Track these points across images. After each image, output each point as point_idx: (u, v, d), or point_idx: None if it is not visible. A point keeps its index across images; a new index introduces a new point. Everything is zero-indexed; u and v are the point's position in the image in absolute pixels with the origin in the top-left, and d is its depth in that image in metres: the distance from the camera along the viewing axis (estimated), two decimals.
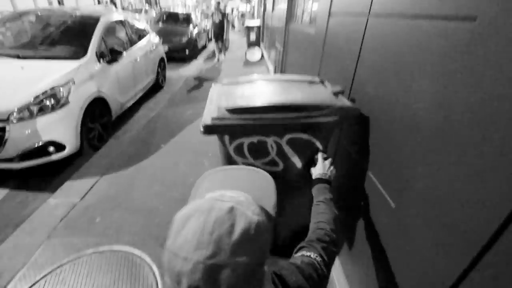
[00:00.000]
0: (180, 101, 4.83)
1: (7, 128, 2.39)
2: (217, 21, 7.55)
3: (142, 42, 4.78)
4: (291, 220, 1.73)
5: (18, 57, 3.04)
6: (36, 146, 2.52)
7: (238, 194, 0.51)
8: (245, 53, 8.65)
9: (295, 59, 3.73)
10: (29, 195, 2.49)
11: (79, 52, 3.20)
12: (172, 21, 9.09)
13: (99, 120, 3.29)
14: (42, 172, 2.76)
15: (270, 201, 0.56)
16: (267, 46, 8.07)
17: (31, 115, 2.48)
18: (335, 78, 1.83)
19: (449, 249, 0.77)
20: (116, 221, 2.14)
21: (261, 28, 9.16)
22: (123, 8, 17.44)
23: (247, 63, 8.22)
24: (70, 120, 2.76)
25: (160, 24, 8.77)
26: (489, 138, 0.65)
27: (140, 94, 4.56)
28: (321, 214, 0.86)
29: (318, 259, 0.71)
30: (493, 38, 0.66)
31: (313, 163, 1.33)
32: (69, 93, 2.75)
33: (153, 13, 11.35)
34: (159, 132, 3.64)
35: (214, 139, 1.37)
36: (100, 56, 3.37)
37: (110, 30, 3.84)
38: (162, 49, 5.82)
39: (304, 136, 1.31)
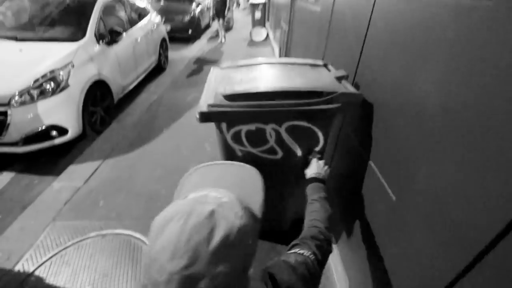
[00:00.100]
0: (182, 84, 4.75)
1: (9, 112, 2.39)
2: None
3: (143, 21, 4.63)
4: (291, 208, 1.72)
5: (16, 39, 2.98)
6: (39, 130, 2.53)
7: (222, 194, 0.48)
8: (250, 33, 8.36)
9: (300, 40, 3.57)
10: (34, 178, 2.54)
11: (77, 33, 3.11)
12: None
13: (101, 104, 3.26)
14: (47, 155, 2.79)
15: (257, 199, 0.53)
16: (273, 25, 7.76)
17: (32, 99, 2.47)
18: (340, 61, 1.73)
19: (448, 248, 0.74)
20: (118, 205, 2.17)
21: (267, 6, 8.77)
22: None
23: (252, 43, 7.97)
24: (71, 104, 2.74)
25: (162, 2, 8.45)
26: (501, 130, 0.59)
27: (142, 77, 4.48)
28: (315, 212, 0.84)
29: (312, 257, 0.69)
30: (511, 19, 0.58)
31: (314, 153, 1.29)
32: (68, 76, 2.71)
33: None
34: (161, 115, 3.61)
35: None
36: (99, 37, 3.28)
37: (109, 9, 3.71)
38: (164, 29, 5.65)
39: (304, 123, 1.26)
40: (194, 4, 8.41)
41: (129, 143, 3.00)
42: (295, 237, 0.78)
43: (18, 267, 1.69)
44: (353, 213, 1.42)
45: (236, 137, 1.31)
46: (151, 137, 3.12)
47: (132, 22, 4.30)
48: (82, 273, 1.64)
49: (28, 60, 2.69)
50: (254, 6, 8.43)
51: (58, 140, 2.67)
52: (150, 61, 4.74)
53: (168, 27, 6.67)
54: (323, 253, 0.72)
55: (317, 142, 1.35)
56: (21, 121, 2.43)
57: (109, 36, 3.46)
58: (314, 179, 1.06)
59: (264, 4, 8.45)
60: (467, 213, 0.67)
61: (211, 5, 9.48)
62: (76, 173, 2.52)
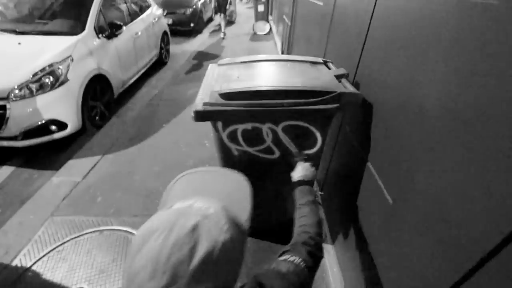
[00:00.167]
0: (183, 79, 4.71)
1: (8, 106, 2.38)
2: None
3: (144, 15, 4.57)
4: (288, 208, 1.70)
5: (15, 32, 2.96)
6: (38, 124, 2.52)
7: (208, 204, 0.45)
8: (253, 27, 8.26)
9: (302, 35, 3.51)
10: (34, 173, 2.54)
11: (76, 27, 3.08)
12: None
13: (101, 98, 3.24)
14: (47, 150, 2.79)
15: (244, 209, 0.51)
16: (276, 19, 7.64)
17: (31, 93, 2.45)
18: (341, 57, 1.70)
19: (445, 254, 0.72)
20: (116, 201, 2.17)
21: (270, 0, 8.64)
22: None
23: (254, 37, 7.87)
24: (70, 98, 2.72)
25: None
26: (505, 134, 0.56)
27: (143, 71, 4.45)
28: (304, 217, 0.81)
29: (302, 264, 0.67)
30: None
31: (300, 155, 1.27)
32: (68, 70, 2.69)
33: None
34: (161, 111, 3.59)
35: None
36: (99, 31, 3.24)
37: (109, 2, 3.66)
38: (165, 22, 5.59)
39: (301, 123, 1.24)
40: None
41: (129, 138, 2.99)
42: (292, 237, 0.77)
43: (16, 262, 1.70)
44: (351, 214, 1.40)
45: (232, 136, 1.29)
46: (151, 132, 3.11)
47: (133, 15, 4.25)
48: (79, 269, 1.65)
49: (27, 53, 2.67)
50: (257, 0, 8.30)
51: (58, 135, 2.67)
52: (151, 55, 4.70)
53: (170, 20, 6.60)
54: (314, 259, 0.70)
55: (315, 142, 1.32)
56: (20, 115, 2.43)
57: (109, 30, 3.42)
58: (301, 182, 1.03)
59: None
60: (467, 220, 0.65)
61: None
62: (75, 168, 2.52)
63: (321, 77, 1.31)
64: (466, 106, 0.67)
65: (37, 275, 1.63)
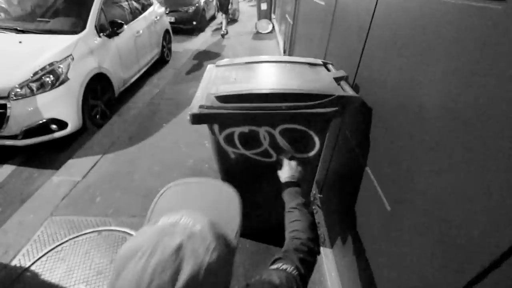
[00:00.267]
0: (185, 78, 4.70)
1: (9, 105, 2.39)
2: None
3: (146, 13, 4.56)
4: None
5: (15, 30, 2.96)
6: (38, 123, 2.53)
7: (195, 220, 0.44)
8: (255, 25, 8.21)
9: (304, 34, 3.47)
10: (34, 172, 2.55)
11: (77, 25, 3.07)
12: None
13: (101, 97, 3.24)
14: (47, 148, 2.80)
15: (233, 223, 0.49)
16: (279, 18, 7.59)
17: (32, 92, 2.46)
18: (341, 59, 1.67)
19: (445, 263, 0.70)
20: (115, 201, 2.18)
21: None
22: None
23: (256, 36, 7.82)
24: (71, 97, 2.72)
25: None
26: (508, 141, 0.54)
27: (144, 69, 4.44)
28: (295, 222, 0.79)
29: (295, 272, 0.66)
30: None
31: (286, 153, 1.24)
32: (68, 69, 2.69)
33: None
34: (162, 110, 3.58)
35: None
36: (100, 29, 3.24)
37: (110, 0, 3.65)
38: (167, 21, 5.57)
39: (299, 127, 1.22)
40: None
41: (129, 137, 2.99)
42: None
43: (15, 262, 1.71)
44: (349, 219, 1.39)
45: (229, 139, 1.27)
46: (151, 132, 3.11)
47: (135, 14, 4.24)
48: (77, 270, 1.65)
49: (27, 52, 2.67)
50: None
51: (58, 134, 2.67)
52: (152, 54, 4.69)
53: (172, 18, 6.58)
54: (306, 266, 0.69)
55: (313, 145, 1.31)
56: (21, 114, 2.43)
57: (110, 28, 3.41)
58: (289, 184, 1.01)
59: None
60: (468, 231, 0.63)
61: None
62: (75, 167, 2.53)
63: (320, 80, 1.29)
64: (468, 113, 0.65)
65: (35, 275, 1.64)
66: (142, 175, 2.47)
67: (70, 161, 2.61)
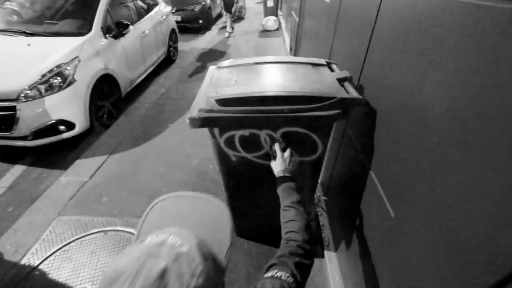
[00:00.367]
0: (191, 77, 4.72)
1: (18, 107, 2.44)
2: None
3: (151, 12, 4.58)
4: None
5: (25, 33, 3.02)
6: (47, 124, 2.58)
7: (182, 240, 0.42)
8: (262, 22, 8.14)
9: (310, 32, 3.42)
10: (43, 172, 2.61)
11: (83, 27, 3.11)
12: None
13: (108, 98, 3.29)
14: (56, 149, 2.86)
15: (223, 239, 0.47)
16: (285, 15, 7.50)
17: (40, 94, 2.51)
18: (346, 57, 1.63)
19: (449, 272, 0.67)
20: (121, 201, 2.20)
21: None
22: None
23: (263, 33, 7.75)
24: (78, 99, 2.77)
25: None
26: None
27: (151, 69, 4.47)
28: (291, 222, 0.77)
29: (290, 279, 0.64)
30: None
31: (277, 142, 1.20)
32: (75, 71, 2.73)
33: None
34: (168, 110, 3.60)
35: None
36: (106, 30, 3.27)
37: (116, 1, 3.68)
38: (173, 20, 5.58)
39: (300, 129, 1.19)
40: None
41: (135, 138, 3.02)
42: None
43: (25, 261, 1.75)
44: (354, 222, 1.36)
45: (230, 142, 1.26)
46: (157, 132, 3.13)
47: (140, 14, 4.26)
48: (83, 270, 1.68)
49: (35, 55, 2.72)
50: None
51: (66, 135, 2.72)
52: (159, 54, 4.72)
53: (178, 17, 6.59)
54: (303, 270, 0.67)
55: (315, 148, 1.28)
56: (30, 116, 2.49)
57: (116, 29, 3.44)
58: (283, 178, 0.98)
59: None
60: (473, 249, 0.60)
61: None
62: (82, 168, 2.57)
63: (322, 81, 1.26)
64: (478, 118, 0.61)
65: (43, 274, 1.68)
66: (148, 175, 2.49)
67: (77, 162, 2.65)
